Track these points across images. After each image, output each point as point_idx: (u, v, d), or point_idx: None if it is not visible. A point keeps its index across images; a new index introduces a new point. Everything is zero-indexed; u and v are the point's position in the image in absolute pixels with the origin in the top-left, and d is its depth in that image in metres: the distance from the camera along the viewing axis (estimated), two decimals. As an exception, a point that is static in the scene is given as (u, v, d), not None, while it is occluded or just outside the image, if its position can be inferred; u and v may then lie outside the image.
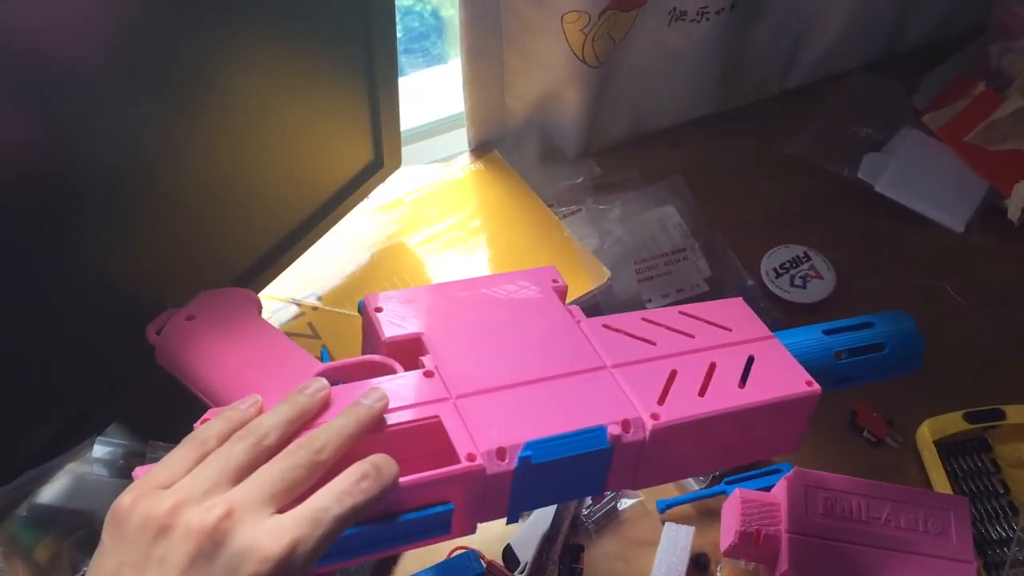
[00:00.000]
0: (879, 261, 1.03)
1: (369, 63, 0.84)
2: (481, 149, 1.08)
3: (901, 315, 0.78)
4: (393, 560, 0.81)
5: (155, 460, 0.78)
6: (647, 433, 0.60)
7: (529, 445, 0.56)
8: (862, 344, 0.76)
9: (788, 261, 0.99)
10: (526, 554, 0.83)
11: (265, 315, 0.94)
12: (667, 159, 1.13)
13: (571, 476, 0.59)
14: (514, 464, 0.56)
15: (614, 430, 0.59)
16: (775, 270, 0.99)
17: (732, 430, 0.65)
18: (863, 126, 1.12)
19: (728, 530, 0.80)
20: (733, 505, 0.80)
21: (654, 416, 0.60)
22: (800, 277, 0.98)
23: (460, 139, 1.10)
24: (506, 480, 0.56)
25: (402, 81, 0.92)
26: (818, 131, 1.13)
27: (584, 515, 0.86)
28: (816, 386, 0.67)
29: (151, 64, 0.64)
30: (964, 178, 1.08)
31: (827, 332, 0.75)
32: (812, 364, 0.70)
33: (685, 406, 0.62)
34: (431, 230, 1.01)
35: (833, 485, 0.80)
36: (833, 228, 1.04)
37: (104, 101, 0.62)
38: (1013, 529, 0.84)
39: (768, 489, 0.82)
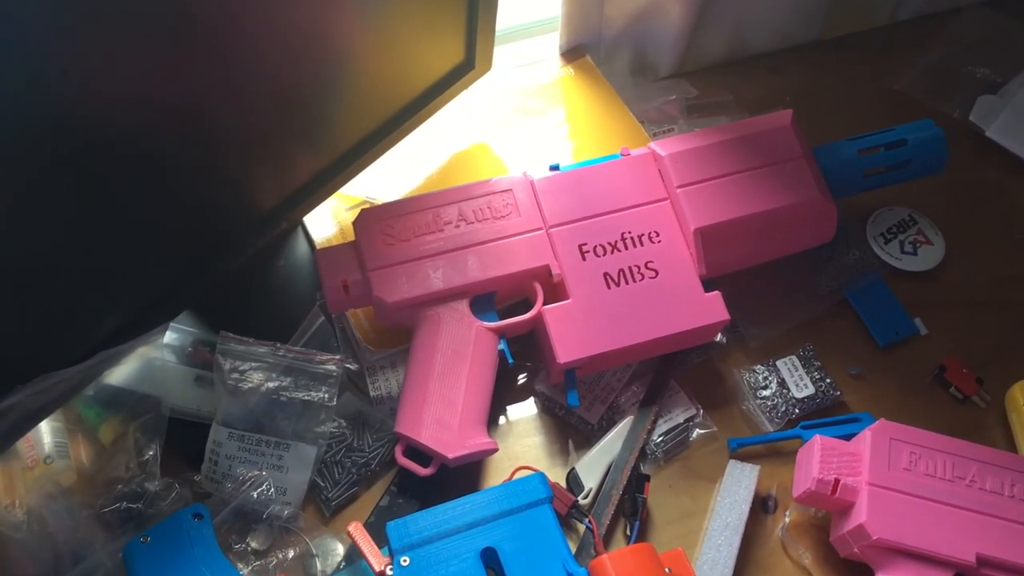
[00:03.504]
0: (982, 214, 0.98)
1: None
2: (572, 55, 1.04)
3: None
4: (460, 475, 0.80)
5: (225, 351, 0.79)
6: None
7: None
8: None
9: (895, 225, 0.95)
10: (591, 480, 0.82)
11: (339, 216, 0.91)
12: (764, 85, 1.07)
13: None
14: None
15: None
16: (883, 235, 0.94)
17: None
18: (979, 66, 1.05)
19: (803, 476, 0.77)
20: (811, 451, 0.77)
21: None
22: (909, 243, 0.93)
23: (547, 44, 1.05)
24: None
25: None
26: (929, 67, 1.06)
27: (654, 445, 0.84)
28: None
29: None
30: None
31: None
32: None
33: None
34: (515, 134, 0.98)
35: (919, 440, 0.77)
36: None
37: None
38: (1099, 502, 0.81)
39: (847, 438, 0.79)
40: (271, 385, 0.79)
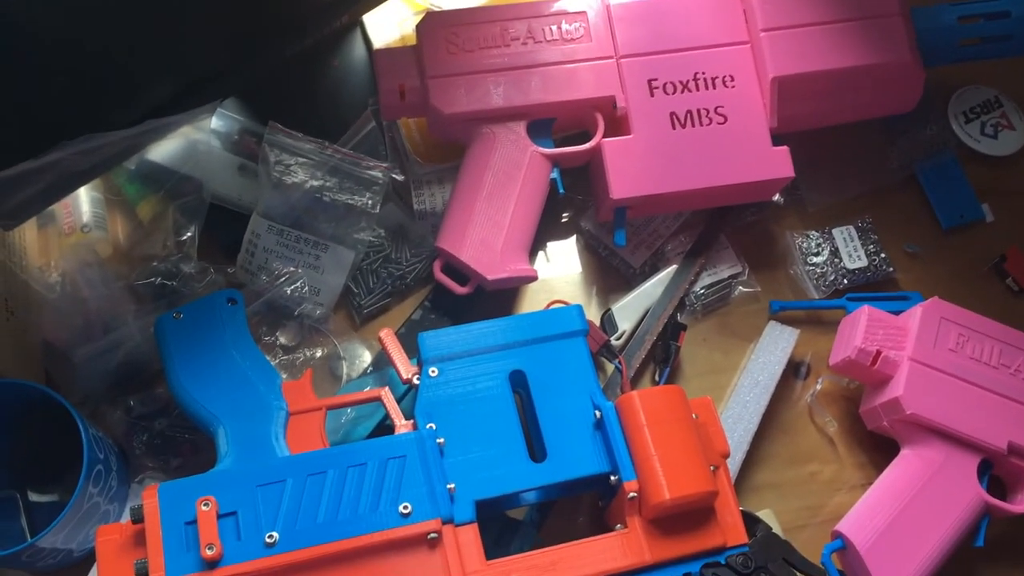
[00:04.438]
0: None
1: None
2: None
3: None
4: (495, 300, 0.79)
5: (272, 142, 0.76)
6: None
7: None
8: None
9: (979, 105, 0.89)
10: (626, 323, 0.80)
11: (402, 22, 0.87)
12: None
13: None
14: None
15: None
16: (964, 114, 0.89)
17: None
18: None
19: (844, 344, 0.76)
20: (857, 320, 0.75)
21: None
22: (991, 125, 0.88)
23: None
24: None
25: None
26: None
27: (694, 297, 0.82)
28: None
29: None
30: None
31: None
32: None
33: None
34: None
35: (970, 323, 0.75)
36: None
37: None
38: None
39: (893, 314, 0.77)
40: (315, 183, 0.77)
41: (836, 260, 0.83)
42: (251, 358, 0.69)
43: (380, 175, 0.79)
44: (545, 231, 0.83)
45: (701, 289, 0.82)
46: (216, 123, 0.81)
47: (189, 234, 0.77)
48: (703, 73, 0.79)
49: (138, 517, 0.60)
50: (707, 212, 0.84)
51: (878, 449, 0.78)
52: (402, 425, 0.67)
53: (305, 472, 0.62)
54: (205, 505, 0.59)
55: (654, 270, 0.83)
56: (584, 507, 0.74)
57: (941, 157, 0.87)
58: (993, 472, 0.74)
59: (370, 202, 0.78)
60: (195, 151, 0.79)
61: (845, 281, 0.83)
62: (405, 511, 0.62)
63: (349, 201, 0.78)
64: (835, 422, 0.79)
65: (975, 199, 0.87)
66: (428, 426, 0.66)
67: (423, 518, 0.62)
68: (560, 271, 0.84)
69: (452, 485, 0.64)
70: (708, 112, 0.78)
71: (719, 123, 0.78)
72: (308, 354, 0.77)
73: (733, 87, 0.79)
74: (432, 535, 0.61)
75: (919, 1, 0.83)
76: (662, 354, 0.80)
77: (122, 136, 0.67)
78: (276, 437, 0.65)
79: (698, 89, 0.79)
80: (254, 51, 0.76)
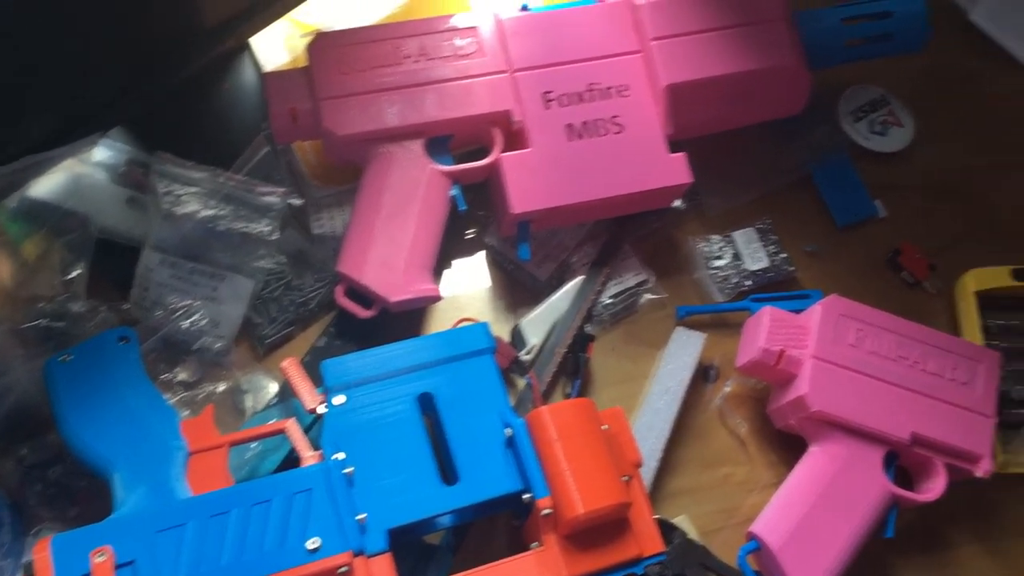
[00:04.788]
0: (955, 100, 0.96)
1: None
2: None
3: None
4: (401, 322, 0.77)
5: (162, 172, 0.74)
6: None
7: None
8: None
9: (867, 104, 0.92)
10: (535, 337, 0.80)
11: (291, 43, 0.86)
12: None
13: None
14: None
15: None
16: (853, 113, 0.91)
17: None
18: (970, -56, 1.01)
19: (749, 346, 0.77)
20: (759, 321, 0.76)
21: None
22: (879, 123, 0.91)
23: None
24: None
25: None
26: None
27: (601, 307, 0.82)
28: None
29: None
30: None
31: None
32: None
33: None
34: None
35: (868, 318, 0.76)
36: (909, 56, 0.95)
37: None
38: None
39: (796, 313, 0.78)
40: (208, 212, 0.75)
41: (738, 263, 0.84)
42: (146, 397, 0.66)
43: (277, 200, 0.77)
44: (450, 248, 0.83)
45: (608, 299, 0.82)
46: (101, 154, 0.78)
47: (77, 272, 0.74)
48: (597, 84, 0.79)
49: (30, 574, 0.57)
50: (610, 222, 0.85)
51: (788, 447, 0.79)
52: (309, 456, 0.65)
53: (207, 513, 0.60)
54: (100, 556, 0.57)
55: (561, 282, 0.83)
56: (501, 527, 0.73)
57: (834, 157, 0.89)
58: (899, 463, 0.75)
59: (267, 229, 0.76)
60: (80, 185, 0.76)
61: (748, 283, 0.84)
62: (313, 546, 0.60)
63: (245, 229, 0.76)
64: (745, 423, 0.80)
65: (867, 196, 0.89)
66: (336, 456, 0.64)
67: (333, 551, 0.60)
68: (468, 288, 0.83)
69: (363, 515, 0.62)
70: (604, 122, 0.79)
71: (615, 133, 0.78)
72: (210, 389, 0.75)
73: (628, 96, 0.79)
74: (343, 569, 0.60)
75: (805, 3, 0.85)
76: (572, 367, 0.79)
77: (-2, 173, 0.64)
78: (176, 478, 0.63)
79: (593, 100, 0.79)
80: (138, 80, 0.73)
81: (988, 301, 0.84)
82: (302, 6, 0.84)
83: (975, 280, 0.84)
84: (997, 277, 0.84)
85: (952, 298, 0.86)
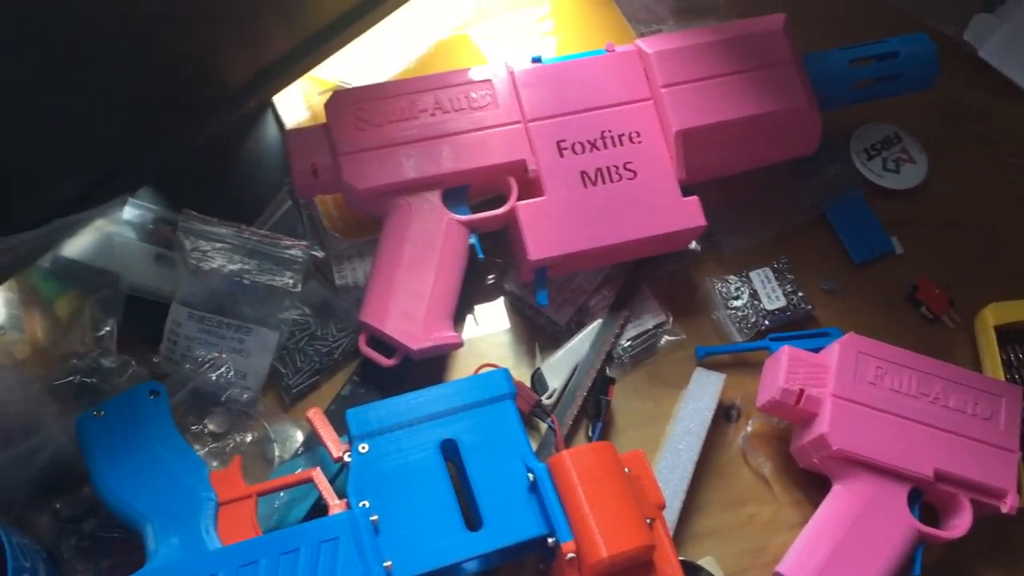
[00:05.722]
0: (967, 136, 0.96)
1: None
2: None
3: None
4: (423, 368, 0.79)
5: (187, 229, 0.76)
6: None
7: None
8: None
9: (879, 142, 0.93)
10: (556, 381, 0.81)
11: (311, 100, 0.88)
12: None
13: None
14: None
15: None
16: (866, 151, 0.92)
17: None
18: (977, -17, 1.03)
19: (769, 385, 0.77)
20: (779, 361, 0.77)
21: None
22: (892, 160, 0.92)
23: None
24: None
25: None
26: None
27: (621, 350, 0.83)
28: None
29: None
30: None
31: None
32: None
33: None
34: (498, 26, 0.94)
35: (886, 355, 0.76)
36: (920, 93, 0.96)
37: None
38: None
39: (815, 351, 0.79)
40: (234, 267, 0.77)
41: (756, 302, 0.85)
42: (176, 450, 0.68)
43: (300, 254, 0.79)
44: (471, 295, 0.84)
45: (627, 341, 0.83)
46: (129, 213, 0.80)
47: (108, 328, 0.76)
48: (609, 131, 0.81)
49: (66, 626, 0.58)
50: (627, 265, 0.86)
51: (813, 486, 0.79)
52: (335, 505, 0.66)
53: (236, 564, 0.61)
54: (134, 608, 0.58)
55: (580, 326, 0.84)
56: (529, 571, 0.74)
57: (848, 194, 0.90)
58: (924, 500, 0.75)
59: (291, 281, 0.78)
60: (110, 244, 0.79)
61: (766, 322, 0.85)
62: (341, 594, 0.61)
63: (270, 282, 0.78)
64: (768, 462, 0.80)
65: (884, 232, 0.90)
66: (361, 504, 0.65)
67: (360, 600, 0.61)
68: (488, 333, 0.85)
69: (389, 563, 0.63)
70: (617, 168, 0.80)
71: (629, 178, 0.80)
72: (238, 439, 0.76)
73: (640, 142, 0.81)
74: (370, 616, 0.61)
75: (813, 46, 0.87)
76: (593, 409, 0.80)
77: (31, 237, 0.66)
78: (206, 530, 0.64)
79: (606, 147, 0.81)
80: (163, 141, 0.76)
81: (1008, 335, 0.84)
82: (321, 64, 0.86)
83: (994, 314, 0.84)
84: (1017, 311, 0.84)
85: (972, 332, 0.86)
